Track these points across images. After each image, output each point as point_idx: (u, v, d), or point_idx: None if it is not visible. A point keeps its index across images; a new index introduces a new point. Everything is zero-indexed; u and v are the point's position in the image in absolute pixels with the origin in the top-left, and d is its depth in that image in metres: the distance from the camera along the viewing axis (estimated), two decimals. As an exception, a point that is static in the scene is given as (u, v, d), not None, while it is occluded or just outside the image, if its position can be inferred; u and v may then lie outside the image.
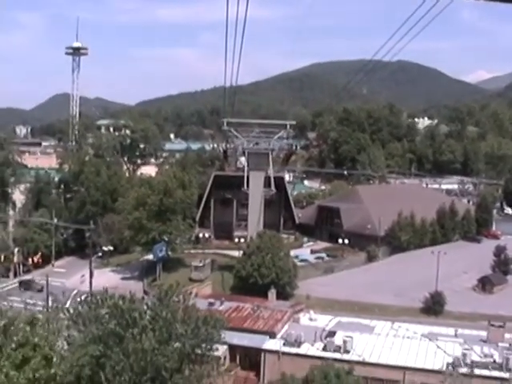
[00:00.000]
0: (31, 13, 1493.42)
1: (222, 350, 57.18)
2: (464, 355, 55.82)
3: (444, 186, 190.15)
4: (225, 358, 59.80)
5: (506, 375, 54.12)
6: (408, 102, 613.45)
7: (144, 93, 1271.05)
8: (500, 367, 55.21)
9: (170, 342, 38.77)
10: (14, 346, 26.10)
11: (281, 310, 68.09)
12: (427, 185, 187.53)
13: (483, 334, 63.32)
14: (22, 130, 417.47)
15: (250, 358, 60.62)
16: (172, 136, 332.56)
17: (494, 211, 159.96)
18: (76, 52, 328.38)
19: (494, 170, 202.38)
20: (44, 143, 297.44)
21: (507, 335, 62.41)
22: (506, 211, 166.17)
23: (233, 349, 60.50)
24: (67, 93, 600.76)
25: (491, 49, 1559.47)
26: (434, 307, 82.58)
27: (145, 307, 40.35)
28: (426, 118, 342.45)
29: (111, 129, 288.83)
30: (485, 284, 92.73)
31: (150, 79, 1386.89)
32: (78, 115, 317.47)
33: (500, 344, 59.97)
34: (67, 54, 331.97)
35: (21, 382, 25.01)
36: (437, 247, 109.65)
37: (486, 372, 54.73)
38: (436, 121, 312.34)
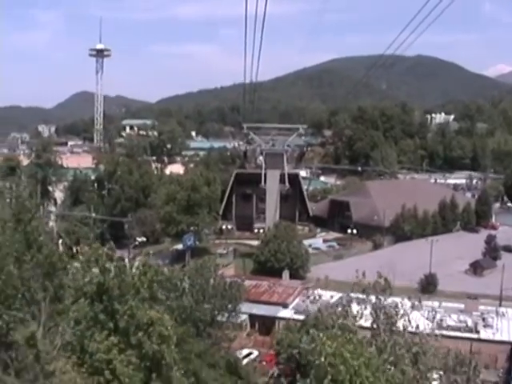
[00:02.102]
0: (50, 11, 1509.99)
1: (243, 318, 70.53)
2: (441, 320, 68.22)
3: (452, 181, 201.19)
4: (246, 325, 73.03)
5: (474, 336, 66.89)
6: (426, 97, 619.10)
7: (164, 90, 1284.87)
8: (470, 330, 67.84)
9: (204, 302, 51.64)
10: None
11: (292, 286, 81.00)
12: (436, 180, 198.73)
13: (462, 306, 75.75)
14: (44, 129, 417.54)
15: (266, 325, 73.50)
16: (193, 134, 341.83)
17: (497, 204, 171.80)
18: (99, 54, 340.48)
19: (501, 165, 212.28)
20: (70, 142, 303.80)
21: (481, 307, 74.82)
22: (508, 204, 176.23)
23: (252, 318, 73.81)
24: (87, 91, 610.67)
25: (510, 42, 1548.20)
26: (427, 287, 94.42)
27: (184, 276, 53.14)
28: (442, 114, 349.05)
29: (135, 128, 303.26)
30: (476, 268, 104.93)
31: (170, 76, 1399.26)
32: (102, 115, 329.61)
33: (474, 313, 72.37)
34: (91, 55, 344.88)
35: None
36: (437, 237, 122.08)
37: (458, 333, 67.27)
38: (452, 116, 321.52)
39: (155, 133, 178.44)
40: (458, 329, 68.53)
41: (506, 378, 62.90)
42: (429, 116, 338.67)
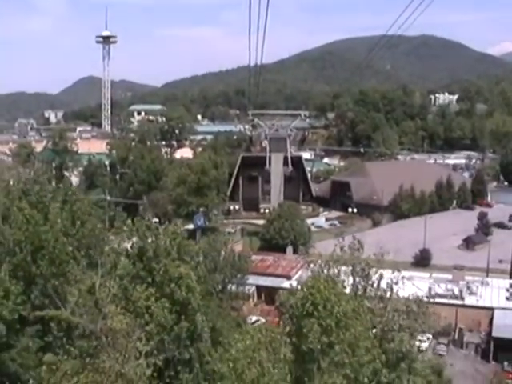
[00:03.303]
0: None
1: (251, 289, 77.89)
2: (430, 289, 75.48)
3: (451, 161, 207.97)
4: (253, 295, 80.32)
5: (459, 302, 74.33)
6: (431, 77, 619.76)
7: (169, 74, 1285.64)
8: (456, 297, 75.18)
9: (215, 272, 58.78)
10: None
11: (296, 260, 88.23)
12: (435, 160, 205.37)
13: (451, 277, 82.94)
14: (50, 115, 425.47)
15: (271, 296, 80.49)
16: (199, 117, 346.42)
17: (494, 183, 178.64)
18: (106, 40, 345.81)
19: (499, 145, 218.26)
20: (79, 128, 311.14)
21: (468, 277, 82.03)
22: (505, 183, 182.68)
23: (259, 289, 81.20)
24: (93, 76, 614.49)
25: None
26: (422, 261, 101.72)
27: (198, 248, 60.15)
28: (446, 94, 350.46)
29: (143, 113, 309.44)
30: (468, 243, 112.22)
31: (175, 60, 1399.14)
32: (109, 101, 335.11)
33: (460, 282, 79.55)
34: (98, 42, 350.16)
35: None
36: (433, 215, 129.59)
37: (445, 300, 74.59)
38: (456, 96, 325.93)
39: (163, 118, 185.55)
40: (445, 296, 75.73)
41: (487, 339, 70.04)
42: (432, 96, 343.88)
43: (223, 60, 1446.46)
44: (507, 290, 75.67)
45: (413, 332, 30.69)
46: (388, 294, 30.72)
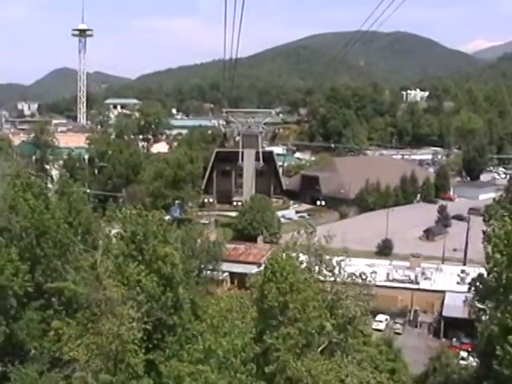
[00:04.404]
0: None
1: (224, 275, 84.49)
2: (388, 274, 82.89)
3: (418, 157, 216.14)
4: (226, 281, 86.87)
5: (415, 286, 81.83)
6: (404, 73, 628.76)
7: (144, 66, 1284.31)
8: (412, 282, 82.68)
9: (192, 257, 64.99)
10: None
11: (265, 249, 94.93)
12: (403, 156, 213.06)
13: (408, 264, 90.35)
14: (24, 107, 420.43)
15: (243, 282, 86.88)
16: (174, 111, 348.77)
17: (458, 178, 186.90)
18: (82, 33, 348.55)
19: (464, 142, 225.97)
20: (54, 121, 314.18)
21: (424, 264, 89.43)
22: (468, 178, 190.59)
23: (232, 275, 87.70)
24: (66, 67, 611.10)
25: (490, 17, 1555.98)
26: (384, 250, 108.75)
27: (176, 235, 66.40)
28: (418, 90, 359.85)
29: (118, 107, 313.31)
30: (428, 234, 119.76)
31: (150, 52, 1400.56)
32: (85, 94, 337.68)
33: (417, 269, 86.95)
34: (74, 35, 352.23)
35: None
36: (398, 208, 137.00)
37: (402, 285, 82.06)
38: (427, 93, 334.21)
39: (140, 113, 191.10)
40: (403, 281, 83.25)
41: (438, 319, 77.50)
42: (404, 93, 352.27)
43: (198, 53, 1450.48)
44: (458, 276, 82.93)
45: (358, 300, 36.85)
46: (337, 270, 36.90)
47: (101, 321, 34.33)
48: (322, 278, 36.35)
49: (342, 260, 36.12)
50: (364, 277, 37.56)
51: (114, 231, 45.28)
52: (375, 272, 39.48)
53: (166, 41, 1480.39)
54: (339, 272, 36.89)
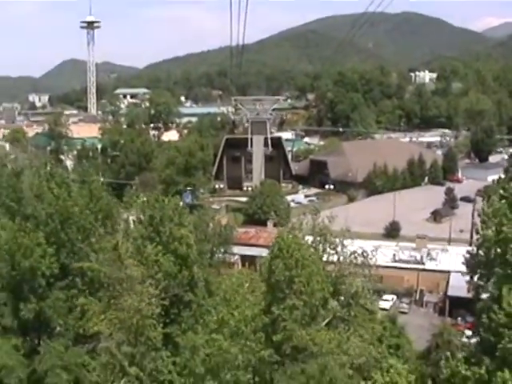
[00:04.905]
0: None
1: (235, 258, 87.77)
2: (394, 255, 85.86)
3: (426, 139, 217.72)
4: (237, 263, 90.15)
5: (421, 267, 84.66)
6: (413, 54, 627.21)
7: (152, 55, 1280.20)
8: (418, 263, 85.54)
9: (205, 241, 67.96)
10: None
11: (275, 233, 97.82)
12: (411, 138, 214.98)
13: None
14: (35, 99, 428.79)
15: (254, 264, 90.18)
16: (183, 99, 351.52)
17: (466, 160, 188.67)
18: (90, 25, 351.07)
19: (473, 123, 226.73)
20: (65, 112, 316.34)
21: (430, 245, 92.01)
22: (476, 160, 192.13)
23: (243, 258, 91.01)
24: (75, 59, 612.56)
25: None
26: (391, 232, 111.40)
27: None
28: (426, 72, 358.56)
29: (128, 97, 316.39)
30: (435, 216, 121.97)
31: (157, 41, 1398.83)
32: (95, 85, 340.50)
33: (423, 249, 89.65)
34: (82, 27, 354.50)
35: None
36: (405, 190, 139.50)
37: (408, 265, 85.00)
38: (436, 74, 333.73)
39: (147, 103, 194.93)
40: (408, 262, 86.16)
41: (443, 299, 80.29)
42: (413, 74, 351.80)
43: (205, 40, 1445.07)
44: (463, 256, 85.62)
45: (360, 277, 39.67)
46: (340, 248, 39.70)
47: (122, 297, 37.47)
48: (325, 256, 38.99)
49: (343, 239, 38.74)
50: (366, 255, 40.14)
51: (131, 217, 48.56)
52: (376, 250, 41.17)
53: (173, 29, 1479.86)
54: (342, 250, 39.59)
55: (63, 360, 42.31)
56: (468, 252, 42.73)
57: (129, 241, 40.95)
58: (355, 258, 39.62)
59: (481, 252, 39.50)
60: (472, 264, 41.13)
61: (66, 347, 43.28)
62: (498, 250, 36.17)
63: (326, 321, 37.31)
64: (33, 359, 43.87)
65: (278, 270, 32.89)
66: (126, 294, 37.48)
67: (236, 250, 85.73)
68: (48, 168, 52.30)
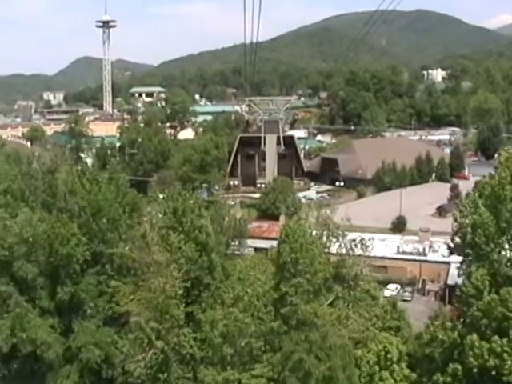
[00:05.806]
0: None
1: (250, 251, 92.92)
2: (398, 247, 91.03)
3: (435, 137, 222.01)
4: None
5: (423, 258, 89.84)
6: (427, 52, 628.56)
7: (166, 53, 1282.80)
8: (420, 254, 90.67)
9: (220, 233, 73.27)
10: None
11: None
12: (421, 137, 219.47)
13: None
14: (49, 97, 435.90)
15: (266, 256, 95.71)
16: (197, 97, 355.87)
17: (474, 157, 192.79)
18: (105, 25, 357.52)
19: (482, 121, 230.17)
20: (81, 110, 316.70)
21: (432, 238, 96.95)
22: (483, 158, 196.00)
23: (257, 250, 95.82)
24: (88, 56, 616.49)
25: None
26: (398, 227, 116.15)
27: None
28: (439, 70, 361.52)
29: (143, 95, 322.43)
30: (441, 211, 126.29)
31: (171, 39, 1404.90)
32: (111, 84, 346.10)
33: (425, 242, 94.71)
34: (97, 26, 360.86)
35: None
36: (413, 187, 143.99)
37: (411, 257, 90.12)
38: (449, 71, 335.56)
39: (163, 102, 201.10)
40: (412, 253, 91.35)
41: (444, 287, 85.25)
42: (425, 72, 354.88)
43: (219, 38, 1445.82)
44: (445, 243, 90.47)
45: (359, 261, 44.80)
46: (341, 237, 44.86)
47: (150, 280, 43.00)
48: (328, 243, 44.27)
49: (344, 231, 43.94)
50: (364, 242, 45.28)
51: (154, 209, 54.12)
52: (373, 238, 46.26)
53: (187, 26, 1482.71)
54: (343, 238, 44.83)
55: (95, 338, 47.75)
56: (451, 239, 47.75)
57: (154, 230, 46.39)
58: (355, 245, 44.72)
59: (457, 238, 44.84)
60: (451, 249, 46.34)
61: (97, 327, 48.76)
62: (470, 236, 41.44)
63: (329, 301, 42.61)
64: (67, 337, 49.09)
65: (285, 252, 38.34)
66: (152, 277, 42.96)
67: (250, 242, 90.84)
68: (79, 166, 57.56)
